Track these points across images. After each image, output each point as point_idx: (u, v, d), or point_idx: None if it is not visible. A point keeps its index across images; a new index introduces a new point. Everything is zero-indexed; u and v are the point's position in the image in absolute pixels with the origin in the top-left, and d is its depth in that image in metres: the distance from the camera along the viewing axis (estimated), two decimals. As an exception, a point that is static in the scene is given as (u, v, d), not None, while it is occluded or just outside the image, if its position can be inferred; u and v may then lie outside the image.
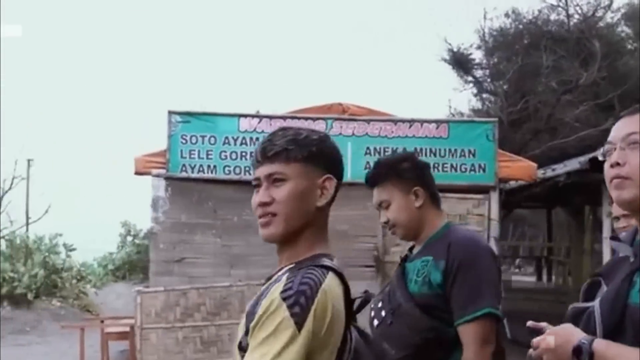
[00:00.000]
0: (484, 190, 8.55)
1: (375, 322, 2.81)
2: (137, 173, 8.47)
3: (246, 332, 1.79)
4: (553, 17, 17.50)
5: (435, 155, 8.47)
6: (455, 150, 8.50)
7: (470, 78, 17.99)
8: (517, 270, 24.79)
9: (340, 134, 8.39)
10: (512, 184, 10.38)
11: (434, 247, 2.74)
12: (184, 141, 8.31)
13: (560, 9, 17.14)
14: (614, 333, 1.79)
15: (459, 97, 34.74)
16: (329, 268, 1.85)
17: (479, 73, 18.25)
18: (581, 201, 12.39)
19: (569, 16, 17.18)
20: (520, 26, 17.60)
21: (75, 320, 12.88)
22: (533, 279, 20.56)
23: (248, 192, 7.73)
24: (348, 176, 8.33)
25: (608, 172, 1.91)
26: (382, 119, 8.56)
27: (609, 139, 1.94)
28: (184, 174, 8.28)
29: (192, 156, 8.29)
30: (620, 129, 1.92)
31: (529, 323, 1.98)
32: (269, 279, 1.94)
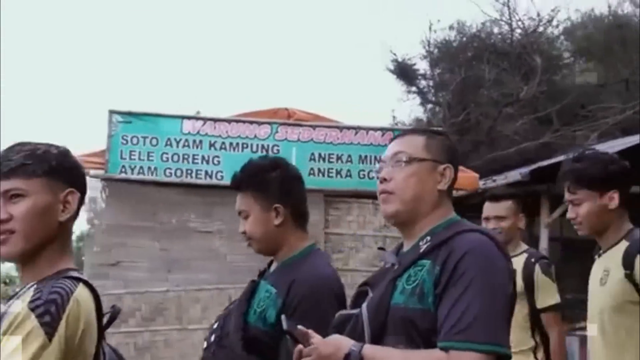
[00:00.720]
0: (426, 199, 8.56)
1: (205, 344, 2.65)
2: (73, 173, 8.19)
3: None
4: (496, 30, 17.82)
5: (379, 162, 8.45)
6: (400, 158, 8.50)
7: (414, 88, 18.16)
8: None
9: (286, 139, 8.29)
10: (454, 193, 10.42)
11: (285, 274, 2.54)
12: (124, 142, 8.07)
13: (503, 23, 17.45)
14: (379, 334, 1.95)
15: (402, 107, 35.22)
16: (79, 279, 1.80)
17: (422, 84, 18.45)
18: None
19: (512, 30, 17.50)
20: (464, 39, 17.85)
21: (4, 324, 12.45)
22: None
23: (189, 195, 7.57)
24: (292, 182, 8.23)
25: (378, 187, 2.12)
26: (328, 125, 8.50)
27: (382, 157, 2.17)
28: (123, 175, 8.05)
29: (133, 157, 8.06)
30: (390, 149, 2.15)
31: (301, 327, 2.02)
32: (11, 297, 1.82)
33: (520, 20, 17.71)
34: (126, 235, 8.00)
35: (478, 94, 16.88)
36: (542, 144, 16.16)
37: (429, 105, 18.80)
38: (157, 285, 7.82)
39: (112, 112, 8.16)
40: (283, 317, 2.11)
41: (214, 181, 8.03)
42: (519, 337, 3.91)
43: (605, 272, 2.94)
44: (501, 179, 9.48)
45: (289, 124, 8.39)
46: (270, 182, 2.62)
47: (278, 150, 8.22)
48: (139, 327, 7.68)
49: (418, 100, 18.65)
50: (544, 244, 9.36)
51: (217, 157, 8.12)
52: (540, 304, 4.01)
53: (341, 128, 8.48)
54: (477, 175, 9.00)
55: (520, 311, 3.94)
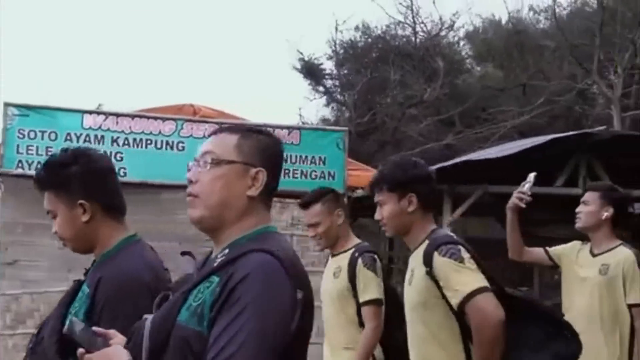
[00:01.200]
0: (333, 197, 8.62)
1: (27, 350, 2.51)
2: (-34, 168, 7.84)
3: None
4: (400, 32, 18.14)
5: (286, 161, 8.38)
6: (306, 157, 8.52)
7: (320, 88, 18.26)
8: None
9: (191, 135, 8.17)
10: (359, 192, 10.54)
11: (96, 272, 2.39)
12: (21, 136, 7.77)
13: (407, 25, 17.79)
14: (159, 351, 1.78)
15: (309, 106, 35.40)
16: None
17: (329, 83, 18.58)
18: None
19: (415, 33, 17.87)
20: (370, 40, 18.10)
21: None
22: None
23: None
24: (197, 179, 8.14)
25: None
26: (235, 123, 8.43)
27: (195, 156, 1.96)
28: (19, 171, 7.74)
29: (30, 152, 7.77)
30: (201, 148, 1.95)
31: (96, 329, 1.89)
32: None
33: (423, 23, 18.11)
34: (24, 233, 7.71)
35: (383, 94, 17.17)
36: (446, 145, 16.57)
37: (335, 105, 18.97)
38: (57, 285, 7.53)
39: (7, 104, 7.84)
40: (71, 319, 1.93)
41: (117, 178, 7.84)
42: (351, 334, 3.95)
43: (411, 272, 3.08)
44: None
45: (195, 121, 8.27)
46: (71, 177, 2.42)
47: (183, 147, 8.10)
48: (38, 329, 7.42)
49: (325, 99, 18.79)
50: (445, 241, 9.58)
51: (120, 153, 7.92)
52: (361, 297, 3.95)
53: (247, 125, 8.45)
54: (381, 174, 9.14)
55: (351, 307, 3.98)
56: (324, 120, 18.35)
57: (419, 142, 16.60)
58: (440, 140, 16.68)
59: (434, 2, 17.72)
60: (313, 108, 27.43)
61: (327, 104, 18.80)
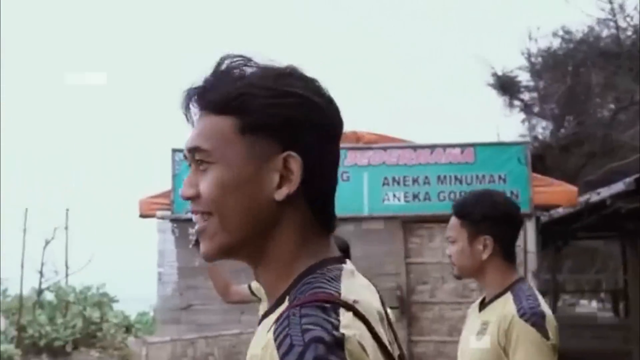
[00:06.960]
0: (518, 219, 7.73)
1: None
2: (142, 216, 8.02)
3: None
4: (604, 32, 16.29)
5: (461, 182, 7.74)
6: (484, 176, 7.75)
7: (517, 102, 16.95)
8: (598, 305, 23.44)
9: (356, 164, 7.76)
10: (560, 211, 9.48)
11: None
12: (189, 180, 7.83)
13: (610, 22, 15.90)
14: None
15: (507, 123, 33.69)
16: None
17: (526, 96, 17.20)
18: (635, 227, 11.33)
19: (617, 28, 15.95)
20: (570, 45, 16.49)
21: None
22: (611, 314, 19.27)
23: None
24: (365, 210, 7.68)
25: None
26: (400, 146, 7.89)
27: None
28: (190, 215, 7.78)
29: (198, 196, 7.80)
30: None
31: None
32: None
33: (628, 15, 15.87)
34: (197, 276, 7.69)
35: (588, 102, 15.55)
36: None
37: (536, 119, 17.44)
38: (230, 328, 7.44)
39: (175, 150, 7.94)
40: None
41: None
42: None
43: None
44: (606, 191, 8.47)
45: (358, 148, 7.84)
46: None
47: (348, 177, 7.69)
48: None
49: (523, 114, 17.37)
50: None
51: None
52: None
53: (415, 148, 7.85)
54: (575, 188, 8.09)
55: None
56: (523, 137, 16.99)
57: (635, 149, 14.72)
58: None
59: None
60: (512, 124, 25.74)
61: (526, 119, 17.34)
